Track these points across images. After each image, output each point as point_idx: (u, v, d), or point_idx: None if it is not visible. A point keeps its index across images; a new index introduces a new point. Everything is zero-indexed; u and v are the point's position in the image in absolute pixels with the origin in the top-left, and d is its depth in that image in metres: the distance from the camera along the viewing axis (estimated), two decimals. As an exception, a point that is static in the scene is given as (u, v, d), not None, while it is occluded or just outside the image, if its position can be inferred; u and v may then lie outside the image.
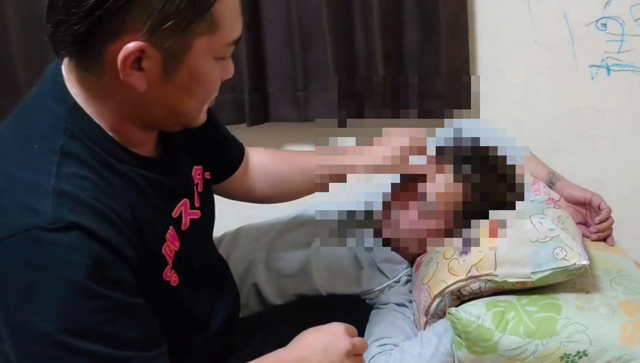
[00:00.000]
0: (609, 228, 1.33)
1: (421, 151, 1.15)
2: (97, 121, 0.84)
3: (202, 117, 0.92)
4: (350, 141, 1.18)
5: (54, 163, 0.78)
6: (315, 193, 1.21)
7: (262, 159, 1.25)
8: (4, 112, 1.84)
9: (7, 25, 1.76)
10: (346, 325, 0.97)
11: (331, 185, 1.17)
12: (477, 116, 1.42)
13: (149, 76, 0.80)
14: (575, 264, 1.10)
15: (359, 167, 1.14)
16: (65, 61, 0.86)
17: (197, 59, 0.81)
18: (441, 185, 1.24)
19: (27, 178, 0.78)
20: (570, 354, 1.07)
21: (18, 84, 1.81)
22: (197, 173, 1.05)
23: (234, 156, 1.20)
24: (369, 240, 1.26)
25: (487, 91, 1.70)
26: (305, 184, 1.20)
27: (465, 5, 1.57)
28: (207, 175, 1.08)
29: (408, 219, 1.25)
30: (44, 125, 0.83)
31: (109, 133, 0.85)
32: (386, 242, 1.28)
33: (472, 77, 1.63)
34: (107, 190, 0.82)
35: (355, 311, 1.28)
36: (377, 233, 1.27)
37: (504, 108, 1.66)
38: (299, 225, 1.42)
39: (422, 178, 1.24)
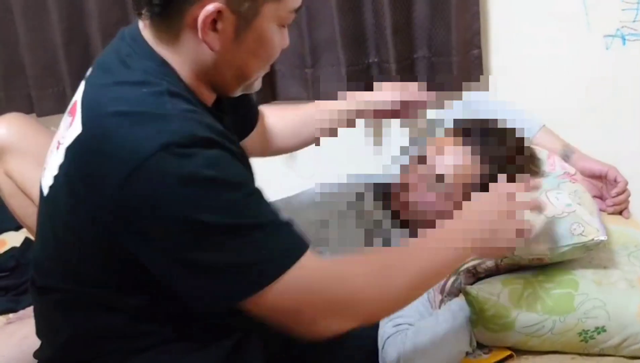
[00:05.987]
0: (626, 200, 1.32)
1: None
2: (181, 76, 0.93)
3: (258, 84, 1.01)
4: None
5: (166, 101, 0.87)
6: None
7: (272, 113, 1.33)
8: (12, 92, 1.86)
9: (10, 10, 1.76)
10: None
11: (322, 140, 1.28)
12: (487, 88, 1.40)
13: (222, 37, 0.89)
14: (593, 239, 1.08)
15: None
16: (141, 25, 0.93)
17: (264, 23, 0.91)
18: (453, 159, 1.22)
19: (150, 110, 0.86)
20: (588, 330, 1.06)
21: (23, 66, 1.81)
22: None
23: (251, 114, 1.28)
24: (386, 221, 1.25)
25: (499, 64, 1.68)
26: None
27: (477, -23, 1.55)
28: None
29: (425, 200, 1.22)
30: (142, 75, 0.90)
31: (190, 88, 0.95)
32: (403, 223, 1.26)
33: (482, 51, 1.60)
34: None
35: None
36: (394, 215, 1.26)
37: (517, 81, 1.63)
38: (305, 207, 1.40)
39: (423, 159, 1.23)
